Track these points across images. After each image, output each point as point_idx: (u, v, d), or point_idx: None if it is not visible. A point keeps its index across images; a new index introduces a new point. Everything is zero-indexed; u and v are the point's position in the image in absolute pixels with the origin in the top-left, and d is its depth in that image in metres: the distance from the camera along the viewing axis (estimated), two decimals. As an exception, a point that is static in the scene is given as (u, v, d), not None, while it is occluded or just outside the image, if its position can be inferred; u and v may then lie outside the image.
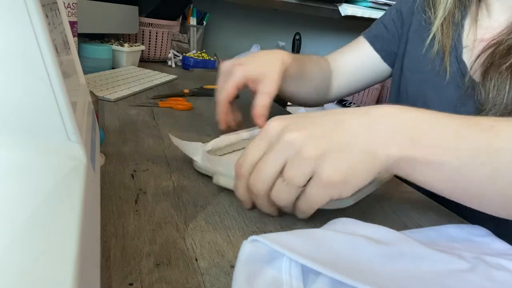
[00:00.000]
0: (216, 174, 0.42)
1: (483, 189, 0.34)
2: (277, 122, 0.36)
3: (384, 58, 0.75)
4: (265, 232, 0.36)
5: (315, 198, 0.34)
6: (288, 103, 1.59)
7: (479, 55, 0.58)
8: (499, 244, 0.38)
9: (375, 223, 0.34)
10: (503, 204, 0.35)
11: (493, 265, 0.32)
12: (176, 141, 0.46)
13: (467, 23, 0.63)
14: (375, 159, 0.34)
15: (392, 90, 0.76)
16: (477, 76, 0.59)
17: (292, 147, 0.33)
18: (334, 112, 0.36)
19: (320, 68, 0.75)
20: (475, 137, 0.34)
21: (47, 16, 0.21)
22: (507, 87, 0.53)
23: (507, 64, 0.53)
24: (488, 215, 0.36)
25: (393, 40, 0.74)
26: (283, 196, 0.35)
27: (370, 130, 0.34)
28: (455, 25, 0.63)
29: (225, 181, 0.42)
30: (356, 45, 0.78)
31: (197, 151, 0.46)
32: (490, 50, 0.56)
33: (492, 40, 0.57)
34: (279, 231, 0.37)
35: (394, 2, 1.54)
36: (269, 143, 0.35)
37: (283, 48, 1.72)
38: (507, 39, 0.55)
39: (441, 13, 0.63)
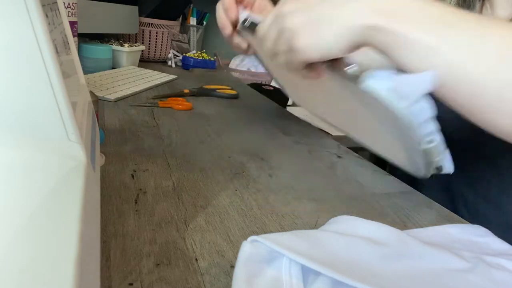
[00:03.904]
0: None
1: (480, 83, 0.31)
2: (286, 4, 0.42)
3: None
4: (265, 232, 0.36)
5: (289, 60, 0.42)
6: (288, 103, 1.58)
7: None
8: (499, 244, 0.38)
9: (375, 223, 0.34)
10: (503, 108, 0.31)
11: (493, 265, 0.32)
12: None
13: None
14: (349, 29, 0.36)
15: None
16: None
17: (281, 19, 0.41)
18: None
19: None
20: (464, 17, 0.33)
21: (47, 16, 0.21)
22: None
23: None
24: (484, 212, 0.37)
25: None
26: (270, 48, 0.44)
27: (349, 2, 0.37)
28: None
29: None
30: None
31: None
32: None
33: None
34: (279, 231, 0.37)
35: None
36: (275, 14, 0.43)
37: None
38: None
39: None
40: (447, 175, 0.43)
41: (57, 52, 0.21)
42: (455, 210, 0.59)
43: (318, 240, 0.30)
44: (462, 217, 0.48)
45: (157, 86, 0.87)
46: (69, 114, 0.20)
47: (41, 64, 0.19)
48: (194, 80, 1.05)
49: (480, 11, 0.62)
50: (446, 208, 0.48)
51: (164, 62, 1.24)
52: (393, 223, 0.42)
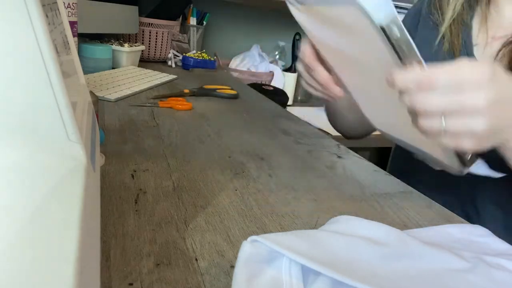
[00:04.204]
0: None
1: None
2: (481, 70, 0.35)
3: None
4: (265, 232, 0.36)
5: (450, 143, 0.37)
6: (288, 103, 1.58)
7: (497, 53, 0.58)
8: (499, 244, 0.38)
9: (375, 223, 0.34)
10: None
11: (493, 265, 0.32)
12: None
13: (475, 22, 0.63)
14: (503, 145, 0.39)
15: None
16: None
17: (472, 106, 0.34)
18: None
19: None
20: None
21: (47, 16, 0.21)
22: None
23: None
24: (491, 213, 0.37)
25: None
26: (429, 124, 0.37)
27: None
28: (463, 25, 0.63)
29: None
30: None
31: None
32: (510, 47, 0.56)
33: (511, 37, 0.57)
34: (279, 231, 0.37)
35: (394, 3, 1.54)
36: (459, 83, 0.36)
37: (283, 48, 1.71)
38: None
39: (449, 14, 0.63)
40: (456, 177, 0.44)
41: (57, 52, 0.21)
42: (463, 211, 0.59)
43: (318, 240, 0.30)
44: (470, 218, 0.48)
45: (157, 86, 0.87)
46: (69, 114, 0.20)
47: (41, 64, 0.19)
48: (194, 80, 1.05)
49: (485, 12, 0.62)
50: (454, 209, 0.48)
51: (164, 62, 1.24)
52: (393, 223, 0.42)
